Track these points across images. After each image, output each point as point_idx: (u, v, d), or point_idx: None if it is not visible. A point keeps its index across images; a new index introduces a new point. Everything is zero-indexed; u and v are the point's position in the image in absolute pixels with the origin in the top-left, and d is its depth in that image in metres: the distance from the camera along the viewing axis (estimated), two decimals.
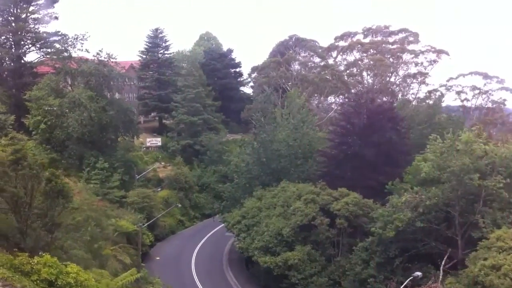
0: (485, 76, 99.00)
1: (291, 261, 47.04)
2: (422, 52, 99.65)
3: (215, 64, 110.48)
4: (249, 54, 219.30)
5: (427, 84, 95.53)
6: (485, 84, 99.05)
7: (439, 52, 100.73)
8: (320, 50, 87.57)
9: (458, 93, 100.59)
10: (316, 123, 69.69)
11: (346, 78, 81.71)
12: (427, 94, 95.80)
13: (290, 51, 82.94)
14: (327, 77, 77.21)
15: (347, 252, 47.35)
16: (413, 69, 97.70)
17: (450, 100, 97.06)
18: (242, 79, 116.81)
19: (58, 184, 28.65)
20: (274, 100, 69.87)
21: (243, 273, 58.33)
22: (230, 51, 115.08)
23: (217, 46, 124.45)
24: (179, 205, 70.99)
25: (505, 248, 31.13)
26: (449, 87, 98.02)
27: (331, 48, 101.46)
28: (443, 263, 39.64)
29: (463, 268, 39.61)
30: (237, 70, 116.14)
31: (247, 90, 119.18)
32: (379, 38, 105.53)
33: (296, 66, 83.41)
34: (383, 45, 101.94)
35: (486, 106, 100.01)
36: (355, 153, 54.08)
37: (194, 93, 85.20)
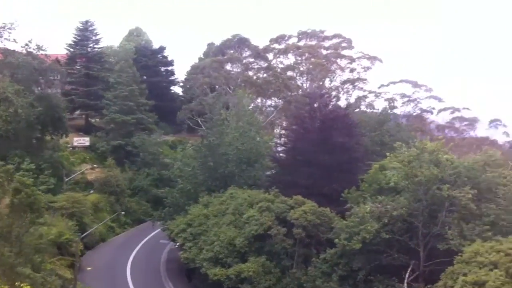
0: (415, 84, 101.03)
1: (245, 274, 44.06)
2: (358, 58, 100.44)
3: (147, 61, 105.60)
4: (188, 53, 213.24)
5: (364, 90, 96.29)
6: (413, 92, 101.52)
7: (373, 59, 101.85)
8: (264, 53, 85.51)
9: (388, 100, 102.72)
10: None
11: (287, 81, 79.97)
12: (357, 100, 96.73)
13: (232, 51, 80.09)
14: (271, 79, 75.12)
15: (302, 264, 45.08)
16: (348, 75, 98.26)
17: (380, 107, 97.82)
18: (174, 78, 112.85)
19: (29, 195, 24.08)
20: (226, 100, 66.68)
21: (185, 286, 54.69)
22: (162, 48, 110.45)
23: (147, 43, 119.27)
24: (123, 213, 66.25)
25: (485, 263, 29.93)
26: (378, 94, 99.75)
27: (267, 50, 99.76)
28: (407, 275, 38.40)
29: (426, 281, 38.71)
30: (169, 68, 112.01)
31: (178, 89, 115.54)
32: (314, 42, 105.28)
33: (237, 67, 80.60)
34: (319, 49, 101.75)
35: (415, 113, 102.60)
36: (309, 159, 51.95)
37: (127, 91, 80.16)
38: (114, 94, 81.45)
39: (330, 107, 55.44)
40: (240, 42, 79.97)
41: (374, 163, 50.38)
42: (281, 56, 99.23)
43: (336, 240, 40.87)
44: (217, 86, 78.03)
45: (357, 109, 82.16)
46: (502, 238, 32.71)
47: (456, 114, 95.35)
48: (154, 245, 66.30)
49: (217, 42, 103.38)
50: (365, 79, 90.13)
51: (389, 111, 60.58)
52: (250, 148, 58.44)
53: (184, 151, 60.80)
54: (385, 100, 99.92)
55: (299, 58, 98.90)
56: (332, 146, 52.04)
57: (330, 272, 41.56)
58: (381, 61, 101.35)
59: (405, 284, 37.38)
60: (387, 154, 47.35)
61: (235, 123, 59.61)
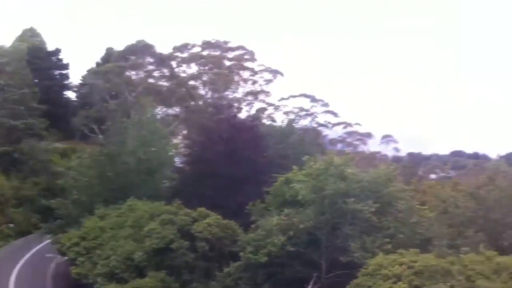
0: (313, 99, 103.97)
1: None
2: (260, 71, 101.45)
3: (40, 63, 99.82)
4: (84, 57, 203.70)
5: (265, 103, 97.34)
6: (311, 107, 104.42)
7: (275, 72, 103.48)
8: (168, 61, 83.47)
9: (286, 113, 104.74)
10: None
11: (191, 90, 78.62)
12: (258, 112, 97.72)
13: (134, 57, 77.30)
14: (174, 87, 73.29)
15: (203, 278, 43.53)
16: (250, 87, 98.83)
17: (279, 120, 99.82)
18: (68, 82, 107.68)
19: None
20: (128, 108, 63.80)
21: None
22: (57, 50, 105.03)
23: (41, 44, 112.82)
24: (11, 225, 61.04)
25: (389, 276, 30.32)
26: (277, 107, 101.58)
27: (170, 58, 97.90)
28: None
29: None
30: (64, 72, 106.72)
31: (72, 94, 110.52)
32: (217, 53, 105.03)
33: (140, 74, 77.87)
34: (223, 60, 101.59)
35: (312, 127, 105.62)
36: (214, 171, 50.74)
37: (18, 94, 74.79)
38: (4, 97, 75.79)
39: (237, 118, 54.73)
40: (145, 49, 77.59)
41: (279, 175, 50.30)
42: (184, 65, 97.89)
43: (242, 254, 39.84)
44: (120, 93, 75.13)
45: (258, 121, 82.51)
46: (403, 251, 33.32)
47: (349, 129, 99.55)
48: (40, 260, 61.53)
49: (118, 48, 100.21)
50: (268, 92, 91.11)
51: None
52: (151, 158, 56.17)
53: (79, 160, 57.17)
54: (284, 113, 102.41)
55: (203, 68, 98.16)
56: (239, 158, 51.34)
57: (233, 286, 40.38)
58: (282, 74, 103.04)
59: None
60: (293, 167, 47.46)
61: (137, 131, 57.03)
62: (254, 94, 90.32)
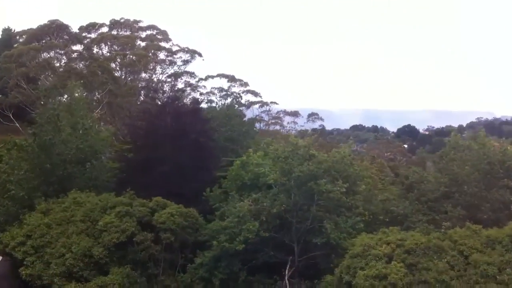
0: (231, 78, 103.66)
1: (110, 287, 39.80)
2: (178, 51, 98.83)
3: None
4: None
5: (185, 83, 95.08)
6: (229, 87, 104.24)
7: (192, 52, 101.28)
8: (86, 41, 78.42)
9: (206, 94, 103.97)
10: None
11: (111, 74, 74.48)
12: (175, 93, 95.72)
13: (48, 38, 71.66)
14: (98, 71, 69.17)
15: (170, 270, 42.42)
16: (170, 69, 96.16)
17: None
18: None
19: None
20: (50, 91, 58.86)
21: None
22: None
23: None
24: None
25: (380, 256, 31.16)
26: (194, 87, 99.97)
27: (79, 39, 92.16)
28: (286, 272, 38.61)
29: (302, 275, 39.46)
30: None
31: None
32: (127, 33, 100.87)
33: (58, 56, 72.37)
34: (137, 40, 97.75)
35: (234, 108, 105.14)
36: (163, 158, 48.99)
37: None
38: None
39: (179, 102, 52.90)
40: (60, 29, 72.13)
41: (231, 159, 49.89)
42: (95, 46, 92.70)
43: (215, 242, 39.05)
44: (37, 77, 69.42)
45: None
46: (385, 229, 34.35)
47: (265, 108, 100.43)
48: None
49: (18, 28, 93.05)
50: (193, 73, 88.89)
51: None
52: (88, 146, 53.11)
53: (9, 151, 52.55)
54: (200, 94, 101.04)
55: (116, 48, 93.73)
56: (186, 143, 49.91)
57: (208, 277, 39.65)
58: (200, 55, 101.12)
59: (286, 281, 37.45)
60: (250, 150, 47.27)
61: (68, 118, 53.35)
62: (178, 75, 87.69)
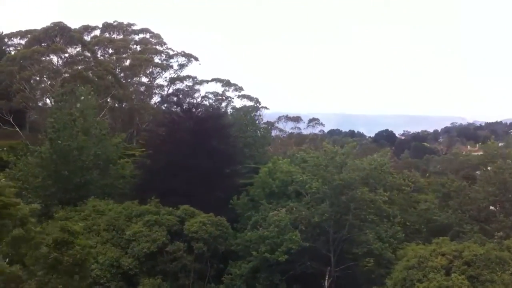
0: (226, 83, 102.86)
1: None
2: (175, 55, 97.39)
3: None
4: None
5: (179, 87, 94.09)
6: (223, 91, 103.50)
7: (189, 56, 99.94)
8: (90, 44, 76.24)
9: (202, 98, 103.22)
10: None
11: (117, 78, 72.52)
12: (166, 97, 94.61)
13: (49, 42, 69.14)
14: (104, 74, 67.16)
15: (200, 280, 41.08)
16: (169, 72, 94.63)
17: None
18: None
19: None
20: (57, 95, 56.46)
21: None
22: None
23: None
24: None
25: (438, 268, 30.36)
26: (190, 92, 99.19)
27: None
28: (326, 284, 37.71)
29: (339, 286, 38.57)
30: None
31: None
32: (120, 36, 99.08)
33: (61, 60, 69.98)
34: (133, 45, 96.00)
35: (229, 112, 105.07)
36: (185, 164, 47.59)
37: None
38: None
39: (201, 108, 51.54)
40: (63, 32, 69.90)
41: (254, 166, 49.03)
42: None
43: (254, 253, 37.87)
44: (38, 79, 67.11)
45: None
46: (437, 240, 33.56)
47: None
48: None
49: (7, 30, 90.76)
50: (195, 77, 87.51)
51: (254, 112, 58.96)
52: (104, 153, 51.52)
53: (24, 158, 50.43)
54: (192, 98, 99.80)
55: (111, 51, 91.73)
56: (210, 150, 48.59)
57: None
58: (197, 59, 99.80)
59: None
60: (275, 157, 46.43)
61: (81, 124, 51.43)
62: (181, 80, 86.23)
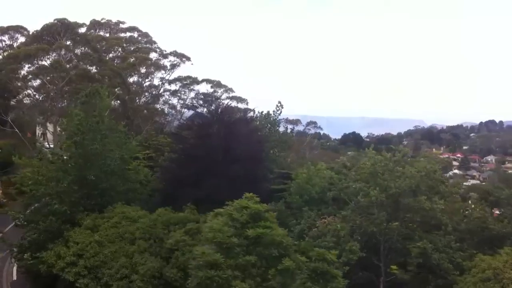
0: (217, 84, 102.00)
1: None
2: (168, 55, 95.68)
3: None
4: None
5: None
6: (212, 92, 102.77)
7: (181, 56, 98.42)
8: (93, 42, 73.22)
9: (191, 99, 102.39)
10: None
11: (123, 79, 70.10)
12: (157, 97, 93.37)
13: (48, 38, 65.95)
14: (109, 73, 64.57)
15: None
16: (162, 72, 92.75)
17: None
18: None
19: None
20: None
21: None
22: None
23: None
24: None
25: None
26: (175, 92, 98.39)
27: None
28: None
29: None
30: None
31: None
32: (107, 34, 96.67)
33: (66, 57, 66.86)
34: (127, 44, 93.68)
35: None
36: (214, 170, 45.98)
37: None
38: None
39: (229, 111, 49.90)
40: (67, 28, 66.70)
41: (284, 171, 47.94)
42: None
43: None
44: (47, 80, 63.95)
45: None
46: (508, 251, 33.08)
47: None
48: None
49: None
50: (196, 78, 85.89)
51: (277, 114, 57.64)
52: (127, 157, 49.52)
53: (44, 162, 47.61)
54: (180, 99, 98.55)
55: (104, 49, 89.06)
56: (239, 154, 47.06)
57: None
58: (189, 59, 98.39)
59: None
60: (309, 163, 45.37)
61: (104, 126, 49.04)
62: (182, 80, 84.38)
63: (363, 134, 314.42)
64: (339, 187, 41.48)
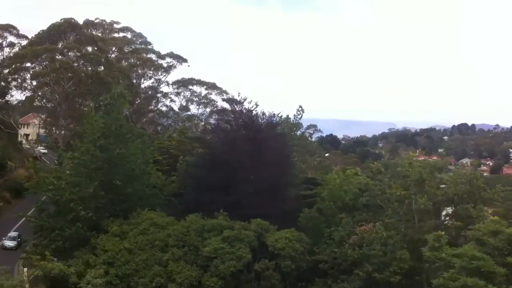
0: (212, 86, 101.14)
1: None
2: (166, 56, 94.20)
3: None
4: None
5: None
6: (205, 94, 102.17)
7: (178, 58, 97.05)
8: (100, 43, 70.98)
9: (187, 100, 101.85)
10: None
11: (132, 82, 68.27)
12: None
13: (65, 38, 63.50)
14: (117, 74, 62.61)
15: None
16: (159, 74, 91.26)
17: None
18: None
19: None
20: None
21: None
22: None
23: None
24: None
25: None
26: (165, 94, 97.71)
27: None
28: None
29: None
30: None
31: None
32: (100, 34, 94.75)
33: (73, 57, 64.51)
34: (125, 45, 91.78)
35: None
36: (246, 176, 44.90)
37: None
38: None
39: (256, 117, 48.65)
40: (74, 28, 64.40)
41: (311, 177, 47.28)
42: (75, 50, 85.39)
43: (361, 273, 35.59)
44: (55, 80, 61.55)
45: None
46: None
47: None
48: None
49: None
50: (199, 79, 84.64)
51: (298, 118, 56.58)
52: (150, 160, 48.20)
53: (65, 165, 45.80)
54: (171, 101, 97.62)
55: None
56: (267, 159, 46.10)
57: None
58: (186, 60, 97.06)
59: None
60: (337, 168, 44.80)
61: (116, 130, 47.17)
62: (184, 83, 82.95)
63: (339, 136, 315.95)
64: (375, 193, 40.83)
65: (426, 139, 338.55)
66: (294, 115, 56.32)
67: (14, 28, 79.28)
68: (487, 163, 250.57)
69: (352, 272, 36.87)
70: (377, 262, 35.18)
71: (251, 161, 45.80)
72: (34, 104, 68.03)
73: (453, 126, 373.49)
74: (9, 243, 50.46)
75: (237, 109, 48.09)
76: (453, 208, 37.30)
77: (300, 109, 56.10)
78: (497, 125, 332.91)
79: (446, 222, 37.87)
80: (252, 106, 48.50)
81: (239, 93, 48.33)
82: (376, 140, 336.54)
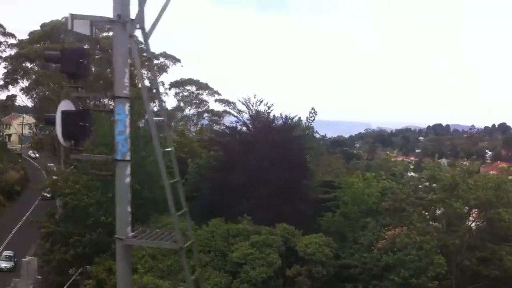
0: (204, 86, 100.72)
1: None
2: (159, 55, 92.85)
3: None
4: None
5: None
6: (197, 95, 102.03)
7: (171, 58, 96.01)
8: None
9: (180, 100, 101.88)
10: None
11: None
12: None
13: (61, 35, 61.57)
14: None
15: None
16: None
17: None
18: None
19: None
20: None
21: None
22: None
23: None
24: None
25: None
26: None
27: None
28: None
29: None
30: None
31: None
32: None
33: None
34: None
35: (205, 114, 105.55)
36: (261, 179, 44.16)
37: None
38: None
39: (271, 118, 48.02)
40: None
41: (328, 180, 46.89)
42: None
43: (396, 278, 35.15)
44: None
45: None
46: None
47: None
48: None
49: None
50: (198, 81, 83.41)
51: (311, 120, 55.92)
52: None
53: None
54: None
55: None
56: (285, 162, 45.44)
57: None
58: (179, 61, 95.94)
59: None
60: (358, 172, 44.53)
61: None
62: (181, 83, 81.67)
63: (316, 136, 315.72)
64: (400, 197, 40.53)
65: (403, 139, 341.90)
66: (307, 117, 55.97)
67: (1, 25, 77.15)
68: (464, 163, 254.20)
69: (383, 277, 36.36)
70: (413, 267, 34.87)
71: (269, 164, 45.12)
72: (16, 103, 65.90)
73: (428, 127, 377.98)
74: (5, 264, 48.58)
75: (253, 111, 47.34)
76: (483, 212, 37.14)
77: (312, 111, 55.74)
78: (473, 125, 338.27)
79: (475, 226, 37.75)
80: (268, 108, 47.93)
81: (255, 95, 47.80)
82: (353, 140, 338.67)
